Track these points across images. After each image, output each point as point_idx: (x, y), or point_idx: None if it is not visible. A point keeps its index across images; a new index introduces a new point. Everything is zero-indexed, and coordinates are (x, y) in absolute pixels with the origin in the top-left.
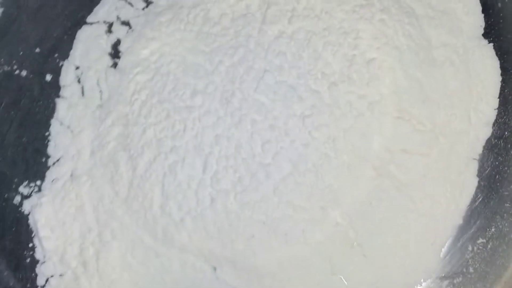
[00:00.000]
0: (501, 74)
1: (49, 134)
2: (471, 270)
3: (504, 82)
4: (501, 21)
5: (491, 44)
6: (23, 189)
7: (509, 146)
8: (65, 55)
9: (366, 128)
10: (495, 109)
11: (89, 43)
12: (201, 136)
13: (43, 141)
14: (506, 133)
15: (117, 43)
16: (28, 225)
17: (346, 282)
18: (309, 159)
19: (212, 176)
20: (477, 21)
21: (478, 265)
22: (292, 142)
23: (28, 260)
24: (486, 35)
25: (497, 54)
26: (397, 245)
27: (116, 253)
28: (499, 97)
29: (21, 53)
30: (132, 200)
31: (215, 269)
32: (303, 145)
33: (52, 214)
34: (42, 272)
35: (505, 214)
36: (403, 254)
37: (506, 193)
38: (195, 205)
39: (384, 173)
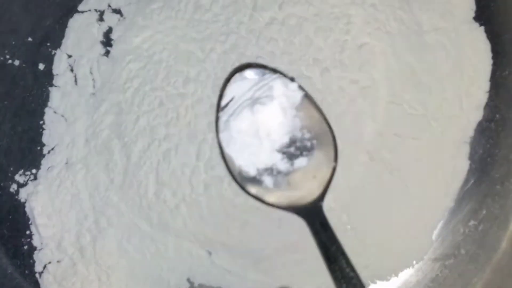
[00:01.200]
0: (492, 57)
1: (43, 123)
2: (462, 251)
3: (495, 65)
4: (492, 4)
5: (482, 27)
6: (19, 178)
7: (500, 129)
8: (57, 44)
9: (359, 113)
10: (486, 92)
11: (81, 31)
12: (194, 123)
13: (38, 130)
14: (497, 116)
15: (109, 31)
16: (25, 213)
17: None
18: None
19: (205, 162)
20: (468, 4)
21: (469, 246)
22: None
23: (25, 247)
24: (477, 18)
25: (488, 37)
26: (389, 228)
27: (112, 240)
28: (490, 80)
29: (13, 42)
30: (127, 187)
31: (210, 254)
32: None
33: (48, 201)
34: (39, 259)
35: (496, 197)
36: (395, 237)
37: (497, 175)
38: (190, 191)
39: (376, 157)
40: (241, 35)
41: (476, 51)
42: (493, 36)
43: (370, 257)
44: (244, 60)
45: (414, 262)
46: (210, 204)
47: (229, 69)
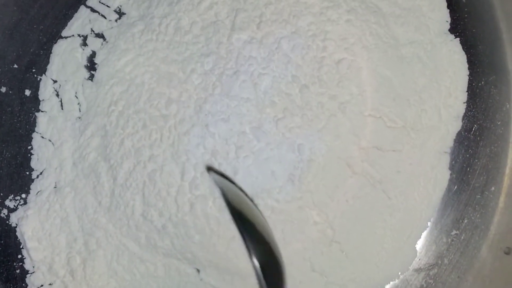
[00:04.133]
0: (468, 68)
1: (31, 148)
2: (446, 261)
3: (471, 76)
4: (466, 16)
5: (458, 39)
6: (9, 203)
7: (478, 138)
8: (42, 70)
9: (339, 128)
10: (464, 103)
11: (65, 57)
12: (178, 143)
13: (26, 155)
14: (475, 126)
15: (92, 56)
16: (16, 237)
17: (326, 278)
18: (284, 161)
19: (190, 182)
20: (443, 17)
21: (452, 256)
22: (266, 145)
23: (17, 271)
24: (452, 30)
25: (463, 49)
26: (374, 240)
27: (102, 261)
28: (467, 91)
29: (0, 70)
30: (115, 209)
31: (198, 271)
32: (277, 148)
33: (39, 225)
34: (32, 282)
35: (476, 206)
36: (380, 248)
37: (477, 185)
38: (176, 211)
39: (358, 170)
40: (220, 55)
41: (452, 62)
42: (469, 47)
43: (356, 270)
44: (224, 80)
45: (400, 273)
46: (196, 223)
47: (210, 90)
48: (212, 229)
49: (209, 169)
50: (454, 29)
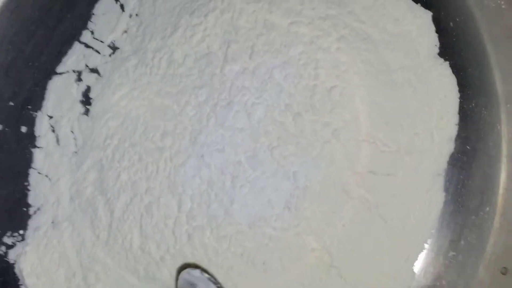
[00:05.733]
0: (459, 91)
1: (28, 184)
2: (444, 283)
3: (462, 98)
4: (455, 39)
5: (447, 62)
6: (7, 239)
7: (471, 160)
8: (38, 106)
9: (333, 154)
10: (456, 125)
11: (61, 92)
12: (174, 175)
13: (23, 191)
14: (468, 147)
15: (87, 91)
16: (14, 274)
17: None
18: (279, 189)
19: (187, 213)
20: (432, 41)
21: (450, 277)
22: (262, 174)
23: None
24: (441, 54)
25: (453, 72)
26: (372, 265)
27: None
28: (458, 113)
29: None
30: (113, 242)
31: None
32: (273, 177)
33: (37, 261)
34: None
35: (472, 227)
36: (379, 273)
37: (472, 206)
38: (173, 242)
39: (354, 196)
40: (214, 87)
41: (442, 85)
42: (458, 70)
43: None
44: (218, 111)
45: None
46: (194, 254)
47: (205, 122)
48: (210, 259)
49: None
50: (443, 53)
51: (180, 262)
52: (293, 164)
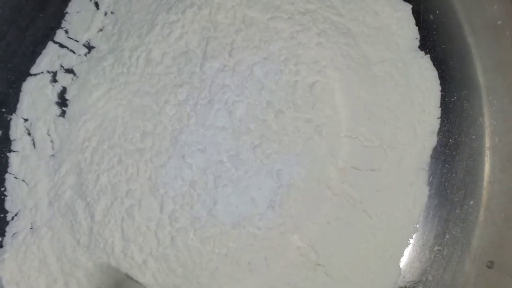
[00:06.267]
0: (440, 84)
1: (4, 190)
2: (430, 277)
3: (443, 91)
4: (435, 32)
5: (428, 56)
6: None
7: (454, 153)
8: (12, 109)
9: (316, 151)
10: (438, 118)
11: (35, 94)
12: (155, 177)
13: (0, 197)
14: (451, 140)
15: (63, 92)
16: None
17: None
18: (263, 188)
19: (170, 215)
20: (412, 34)
21: (436, 272)
22: (245, 173)
23: None
24: (422, 47)
25: (434, 65)
26: (358, 261)
27: None
28: (440, 106)
29: None
30: (94, 247)
31: None
32: (256, 175)
33: (16, 269)
34: None
35: (457, 220)
36: (364, 269)
37: (456, 199)
38: (156, 245)
39: (338, 192)
40: (193, 85)
41: (424, 79)
42: (439, 63)
43: None
44: (199, 110)
45: None
46: (178, 256)
47: (185, 121)
48: (195, 261)
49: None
50: (424, 46)
51: (164, 265)
52: (276, 162)
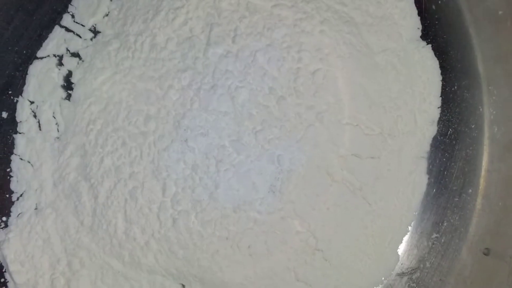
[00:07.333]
0: (441, 73)
1: (10, 170)
2: (427, 264)
3: (444, 81)
4: (437, 22)
5: (429, 45)
6: None
7: (454, 142)
8: (19, 91)
9: (317, 137)
10: (438, 108)
11: (41, 77)
12: (158, 160)
13: (5, 178)
14: (450, 130)
15: (69, 75)
16: None
17: (310, 287)
18: (264, 172)
19: (172, 198)
20: (414, 24)
21: (433, 259)
22: (246, 158)
23: None
24: (424, 36)
25: (436, 54)
26: (356, 247)
27: (86, 281)
28: (441, 96)
29: None
30: (97, 228)
31: (184, 287)
32: (257, 160)
33: (21, 248)
34: None
35: (455, 208)
36: (362, 255)
37: (455, 188)
38: (158, 227)
39: (338, 178)
40: (197, 70)
41: (425, 68)
42: (441, 53)
43: (340, 277)
44: (202, 94)
45: (383, 279)
46: (179, 238)
47: (188, 105)
48: (196, 243)
49: None
50: (426, 36)
51: (166, 247)
52: (277, 147)
